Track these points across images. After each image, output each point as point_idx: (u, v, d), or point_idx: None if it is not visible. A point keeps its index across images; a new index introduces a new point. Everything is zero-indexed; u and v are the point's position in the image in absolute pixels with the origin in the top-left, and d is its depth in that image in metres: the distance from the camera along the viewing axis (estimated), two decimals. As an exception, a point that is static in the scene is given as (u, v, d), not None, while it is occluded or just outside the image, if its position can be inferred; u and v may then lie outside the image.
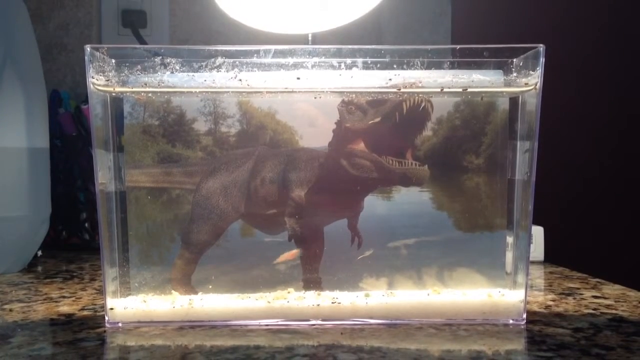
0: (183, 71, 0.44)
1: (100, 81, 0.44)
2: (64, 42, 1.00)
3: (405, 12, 1.04)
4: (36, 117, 0.65)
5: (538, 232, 0.71)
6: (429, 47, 0.44)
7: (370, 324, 0.44)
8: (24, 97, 0.63)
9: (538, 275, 0.64)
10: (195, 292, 0.46)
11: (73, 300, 0.52)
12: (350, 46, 0.44)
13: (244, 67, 0.44)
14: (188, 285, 0.46)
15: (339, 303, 0.45)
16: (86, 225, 0.82)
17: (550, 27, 0.94)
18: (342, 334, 0.42)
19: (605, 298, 0.52)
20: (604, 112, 0.89)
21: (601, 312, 0.47)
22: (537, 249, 0.71)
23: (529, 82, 0.44)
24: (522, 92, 0.44)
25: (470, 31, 1.04)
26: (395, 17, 1.04)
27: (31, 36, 0.67)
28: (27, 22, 0.67)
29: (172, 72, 0.44)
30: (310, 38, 0.80)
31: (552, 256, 0.71)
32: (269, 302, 0.45)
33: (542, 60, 0.43)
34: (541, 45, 0.43)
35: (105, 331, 0.43)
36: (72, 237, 0.82)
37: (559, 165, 0.92)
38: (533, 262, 0.70)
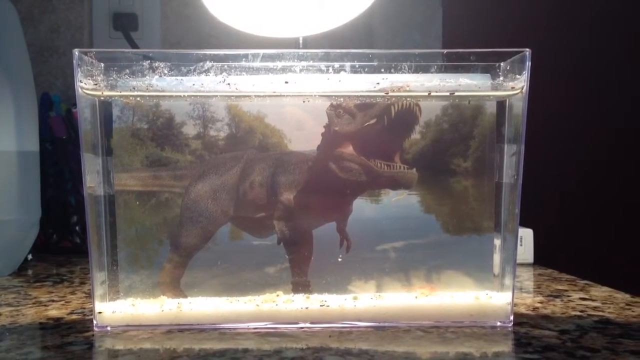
0: (172, 75, 0.44)
1: (88, 85, 0.44)
2: (55, 45, 1.00)
3: (396, 15, 1.05)
4: (26, 120, 0.65)
5: (528, 234, 0.72)
6: (417, 51, 0.44)
7: (359, 327, 0.44)
8: (13, 100, 0.63)
9: (527, 277, 0.64)
10: (184, 296, 0.46)
11: (62, 304, 0.52)
12: (338, 50, 0.44)
13: (233, 71, 0.44)
14: (177, 288, 0.46)
15: (328, 306, 0.45)
16: (77, 228, 0.82)
17: (540, 29, 0.94)
18: (330, 336, 0.42)
19: (592, 300, 0.52)
20: (593, 116, 0.90)
21: (588, 314, 0.47)
22: (527, 251, 0.71)
23: (516, 86, 0.44)
24: (509, 95, 0.45)
25: (461, 34, 1.04)
26: (386, 20, 1.04)
27: (21, 39, 0.67)
28: (16, 25, 0.67)
29: (160, 76, 0.44)
30: (300, 41, 0.80)
31: (542, 258, 0.72)
32: (257, 305, 0.45)
33: (528, 64, 0.43)
34: (527, 49, 0.43)
35: (93, 335, 0.43)
36: (63, 241, 0.82)
37: (549, 168, 0.93)
38: (522, 265, 0.70)
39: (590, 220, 0.91)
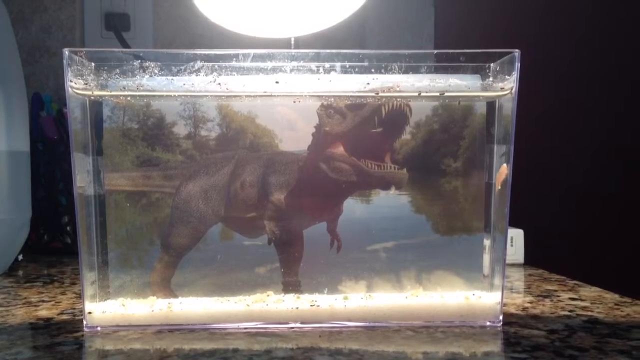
0: (162, 75, 0.44)
1: (78, 85, 0.43)
2: (46, 45, 1.00)
3: (388, 15, 1.05)
4: (16, 120, 0.65)
5: (518, 234, 0.72)
6: (407, 51, 0.44)
7: (349, 327, 0.44)
8: (3, 100, 0.63)
9: (517, 277, 0.64)
10: (175, 296, 0.46)
11: (52, 305, 0.52)
12: (328, 50, 0.44)
13: (223, 71, 0.44)
14: (167, 288, 0.46)
15: (318, 306, 0.45)
16: (68, 229, 0.82)
17: (532, 29, 0.95)
18: (320, 336, 0.42)
19: (581, 300, 0.52)
20: (584, 116, 0.91)
21: (577, 314, 0.48)
22: (517, 251, 0.71)
23: (505, 87, 0.44)
24: (499, 96, 0.45)
25: (453, 35, 1.05)
26: (378, 20, 1.05)
27: (11, 39, 0.67)
28: (7, 25, 0.66)
29: (151, 76, 0.44)
30: (292, 42, 0.80)
31: (532, 259, 0.72)
32: (248, 305, 0.45)
33: (517, 65, 0.43)
34: (516, 50, 0.43)
35: (83, 335, 0.43)
36: (54, 241, 0.82)
37: (539, 168, 0.93)
38: (513, 265, 0.70)
39: (581, 220, 0.91)
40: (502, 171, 0.45)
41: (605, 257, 0.87)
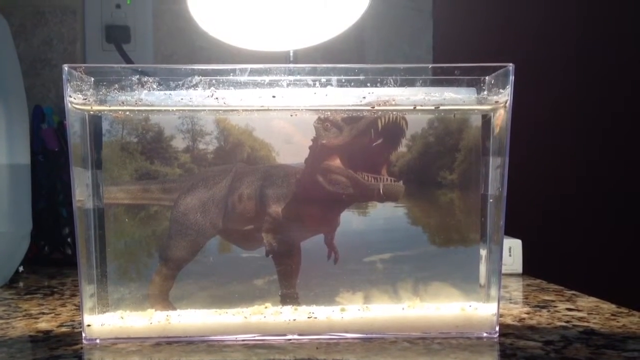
0: (160, 89, 0.44)
1: (78, 100, 0.44)
2: (47, 58, 1.01)
3: (387, 27, 1.06)
4: (17, 133, 0.66)
5: (516, 244, 0.72)
6: (402, 65, 0.45)
7: (346, 338, 0.44)
8: (4, 114, 0.64)
9: (515, 287, 0.64)
10: (173, 308, 0.46)
11: (52, 317, 0.52)
12: (324, 65, 0.44)
13: (221, 85, 0.44)
14: (166, 301, 0.46)
15: (315, 318, 0.45)
16: (68, 240, 0.82)
17: (528, 39, 0.95)
18: (317, 348, 0.42)
19: (578, 310, 0.53)
20: (581, 127, 0.91)
21: (573, 325, 0.48)
22: (516, 261, 0.72)
23: (500, 100, 0.45)
24: (493, 109, 0.45)
25: (451, 45, 1.05)
26: (377, 32, 1.05)
27: (12, 52, 0.68)
28: (8, 37, 0.67)
29: (149, 91, 0.44)
30: (291, 54, 0.81)
31: (531, 268, 0.72)
32: (245, 317, 0.45)
33: (511, 78, 0.44)
34: (510, 64, 0.44)
35: (82, 348, 0.43)
36: (55, 253, 0.82)
37: (537, 179, 0.93)
38: (512, 275, 0.71)
39: (579, 230, 0.91)
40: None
41: (604, 266, 0.87)
